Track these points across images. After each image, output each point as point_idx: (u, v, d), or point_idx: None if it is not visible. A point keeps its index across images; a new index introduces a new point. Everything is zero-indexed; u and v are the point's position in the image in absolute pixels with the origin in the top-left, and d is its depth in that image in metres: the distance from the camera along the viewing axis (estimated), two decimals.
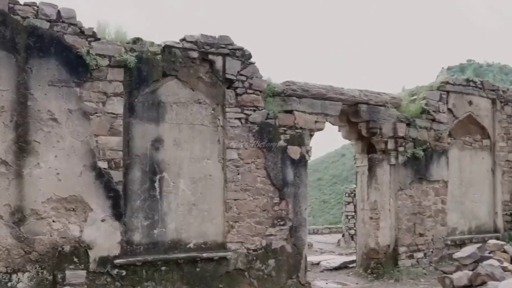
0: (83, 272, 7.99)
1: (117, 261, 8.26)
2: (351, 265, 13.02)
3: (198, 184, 9.23)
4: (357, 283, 11.28)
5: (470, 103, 13.17)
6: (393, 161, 11.74)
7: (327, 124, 11.07)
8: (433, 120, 12.33)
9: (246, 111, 9.61)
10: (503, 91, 13.89)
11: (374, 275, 11.50)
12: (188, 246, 9.08)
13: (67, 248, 7.93)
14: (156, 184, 8.86)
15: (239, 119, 9.55)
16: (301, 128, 10.25)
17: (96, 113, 8.20)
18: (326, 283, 11.37)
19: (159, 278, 8.67)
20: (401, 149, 11.76)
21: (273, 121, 9.90)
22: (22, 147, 7.69)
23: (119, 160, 8.38)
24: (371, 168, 11.85)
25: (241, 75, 9.57)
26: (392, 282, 11.11)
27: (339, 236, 19.34)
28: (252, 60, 9.73)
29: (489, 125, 13.56)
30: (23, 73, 7.72)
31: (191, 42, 9.15)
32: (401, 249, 11.73)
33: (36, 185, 7.74)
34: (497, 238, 11.21)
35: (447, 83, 12.78)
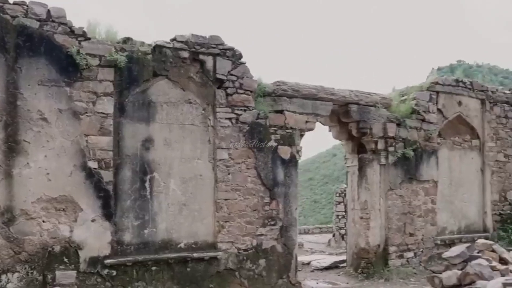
0: (73, 273, 7.97)
1: (108, 261, 8.24)
2: (341, 265, 13.04)
3: (188, 184, 9.23)
4: (347, 283, 11.30)
5: (460, 103, 13.24)
6: (383, 161, 11.79)
7: (318, 124, 11.11)
8: (423, 120, 12.38)
9: (236, 111, 9.62)
10: (492, 92, 13.98)
11: (365, 274, 11.53)
12: (178, 246, 9.07)
13: (57, 248, 7.90)
14: (147, 184, 8.84)
15: (230, 119, 9.55)
16: (291, 128, 10.27)
17: (86, 113, 8.18)
18: (317, 283, 11.38)
19: (149, 278, 8.65)
20: (391, 149, 11.80)
21: (263, 121, 9.91)
22: (12, 147, 7.65)
23: (109, 160, 8.36)
24: (362, 168, 11.89)
25: (232, 75, 9.58)
26: (382, 281, 11.14)
27: (330, 236, 19.38)
28: (242, 60, 9.73)
29: (478, 125, 13.64)
30: (12, 73, 7.69)
31: (181, 42, 9.14)
32: (391, 249, 11.76)
33: (25, 185, 7.70)
34: (487, 238, 11.28)
35: (437, 83, 12.85)
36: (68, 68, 8.05)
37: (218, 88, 9.49)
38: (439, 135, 12.83)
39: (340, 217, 18.61)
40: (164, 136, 9.01)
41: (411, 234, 12.05)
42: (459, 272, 7.36)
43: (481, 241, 8.30)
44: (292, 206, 10.23)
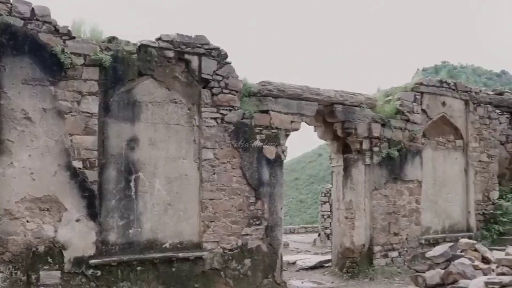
0: (58, 273, 7.93)
1: (92, 261, 8.20)
2: (326, 265, 13.09)
3: (173, 183, 9.22)
4: (332, 282, 11.34)
5: (444, 104, 13.35)
6: (368, 161, 11.85)
7: (304, 124, 11.15)
8: (408, 120, 12.47)
9: (222, 111, 9.62)
10: (475, 93, 14.11)
11: (349, 274, 11.57)
12: (163, 246, 9.05)
13: (41, 248, 7.85)
14: (132, 184, 8.82)
15: (215, 118, 9.55)
16: (276, 128, 10.29)
17: (70, 112, 8.14)
18: (302, 283, 11.41)
19: (134, 278, 8.63)
20: (376, 149, 11.87)
21: (249, 121, 9.92)
22: None
23: (94, 160, 8.33)
24: (347, 168, 11.94)
25: (217, 74, 9.59)
26: (367, 281, 11.20)
27: (315, 235, 19.40)
28: (228, 60, 9.75)
29: (462, 126, 13.76)
30: None
31: (167, 41, 9.13)
32: (376, 248, 11.83)
33: (9, 184, 7.65)
34: (470, 237, 11.41)
35: (421, 84, 12.94)
36: (53, 67, 8.01)
37: (204, 88, 9.49)
38: (424, 135, 12.92)
39: (325, 216, 18.65)
40: (149, 136, 9.00)
41: (395, 234, 12.13)
42: (442, 271, 7.42)
43: (464, 240, 8.37)
44: (278, 206, 10.25)
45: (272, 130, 10.23)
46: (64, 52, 8.06)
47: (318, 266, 13.18)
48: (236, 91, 9.80)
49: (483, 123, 14.23)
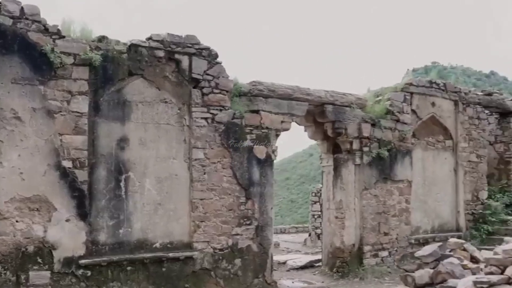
0: (47, 273, 7.90)
1: (82, 261, 8.18)
2: (317, 264, 13.12)
3: (164, 183, 9.20)
4: (322, 282, 11.36)
5: (433, 104, 13.41)
6: (358, 161, 11.88)
7: (295, 124, 11.17)
8: (397, 120, 12.52)
9: (212, 111, 9.62)
10: (465, 93, 14.18)
11: (340, 274, 11.60)
12: (154, 246, 9.04)
13: (30, 248, 7.81)
14: (122, 184, 8.80)
15: (205, 118, 9.55)
16: (267, 128, 10.30)
17: (60, 111, 8.11)
18: (292, 282, 11.41)
19: (124, 278, 8.61)
20: (366, 149, 11.91)
21: (239, 121, 9.93)
22: None
23: (84, 160, 8.30)
24: (337, 168, 11.97)
25: (208, 74, 9.58)
26: (357, 280, 11.23)
27: (306, 235, 19.44)
28: (218, 60, 9.74)
29: (451, 126, 13.82)
30: None
31: (157, 41, 9.12)
32: (366, 248, 11.86)
33: None
34: (459, 237, 11.44)
35: (411, 84, 13.00)
36: (42, 66, 7.97)
37: (194, 87, 9.48)
38: (413, 135, 12.98)
39: (316, 216, 18.67)
40: (140, 136, 8.98)
41: (385, 234, 12.17)
42: (431, 270, 7.45)
43: (453, 240, 8.41)
44: (268, 205, 10.26)
45: (263, 130, 10.24)
46: (54, 51, 8.03)
47: (309, 265, 13.20)
48: (227, 91, 9.80)
49: (472, 123, 14.31)
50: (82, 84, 8.31)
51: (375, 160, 12.05)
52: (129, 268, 8.66)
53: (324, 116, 11.50)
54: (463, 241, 8.58)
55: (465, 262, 7.55)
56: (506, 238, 9.61)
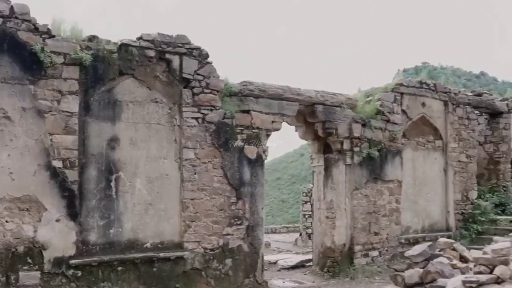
0: (37, 273, 7.88)
1: (73, 261, 8.16)
2: (307, 264, 13.12)
3: (154, 183, 9.19)
4: (313, 282, 11.38)
5: (423, 104, 13.47)
6: (348, 161, 11.91)
7: (286, 124, 11.19)
8: (388, 121, 12.56)
9: (203, 111, 9.61)
10: (454, 94, 14.25)
11: (330, 273, 11.62)
12: (144, 246, 9.03)
13: (20, 248, 7.79)
14: (112, 184, 8.78)
15: (196, 118, 9.54)
16: (258, 128, 10.31)
17: (50, 111, 8.09)
18: (283, 282, 11.43)
19: (115, 279, 8.59)
20: (356, 149, 11.94)
21: (230, 120, 9.93)
22: None
23: (74, 159, 8.28)
24: (327, 168, 12.00)
25: (198, 74, 9.58)
26: (348, 280, 11.26)
27: (297, 235, 19.45)
28: (209, 59, 9.74)
29: (441, 126, 13.89)
30: None
31: (148, 40, 9.11)
32: (357, 248, 11.90)
33: None
34: (449, 237, 11.51)
35: (401, 85, 13.05)
36: (32, 65, 7.95)
37: (185, 87, 9.48)
38: (404, 135, 13.03)
39: (307, 216, 18.69)
40: (130, 136, 8.97)
41: (376, 233, 12.21)
42: (421, 270, 7.48)
43: (442, 239, 8.44)
44: (259, 205, 10.27)
45: (253, 130, 10.25)
46: (44, 51, 8.01)
47: (299, 265, 13.21)
48: (217, 91, 9.80)
49: (462, 123, 14.38)
50: (73, 84, 8.28)
51: (365, 160, 12.09)
52: (119, 268, 8.65)
53: (314, 116, 11.52)
54: (452, 240, 8.61)
55: (455, 261, 7.58)
56: (495, 237, 9.69)
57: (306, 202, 19.28)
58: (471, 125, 14.63)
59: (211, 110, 9.71)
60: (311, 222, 15.43)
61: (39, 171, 7.98)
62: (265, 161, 10.59)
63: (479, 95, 15.86)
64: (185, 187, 9.38)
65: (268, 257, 13.27)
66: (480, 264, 6.92)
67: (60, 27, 8.49)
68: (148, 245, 9.06)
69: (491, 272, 6.64)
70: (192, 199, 9.43)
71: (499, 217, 14.27)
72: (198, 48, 9.59)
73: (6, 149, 7.74)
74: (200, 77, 9.59)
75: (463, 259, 7.96)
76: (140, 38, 9.09)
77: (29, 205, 7.87)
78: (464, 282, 6.39)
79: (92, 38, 8.73)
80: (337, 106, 11.69)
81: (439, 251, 8.04)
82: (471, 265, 7.45)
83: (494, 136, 16.18)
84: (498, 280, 6.46)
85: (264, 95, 10.47)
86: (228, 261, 9.81)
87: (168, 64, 9.33)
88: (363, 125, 12.06)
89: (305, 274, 12.28)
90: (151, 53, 9.11)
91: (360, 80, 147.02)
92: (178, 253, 9.21)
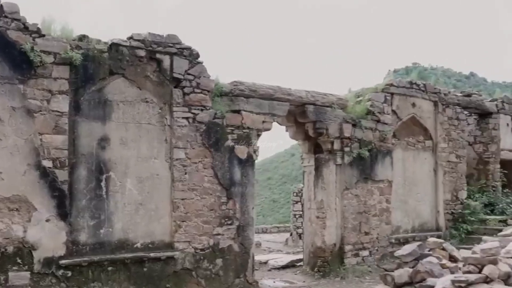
0: (27, 273, 7.85)
1: (63, 261, 8.13)
2: (298, 264, 13.16)
3: (145, 183, 9.18)
4: (304, 282, 11.41)
5: (414, 105, 13.52)
6: (339, 161, 11.94)
7: (277, 124, 11.21)
8: (378, 121, 12.61)
9: (193, 111, 9.61)
10: (444, 94, 14.32)
11: (321, 273, 11.65)
12: (135, 246, 9.01)
13: (10, 249, 7.74)
14: (103, 184, 8.76)
15: (187, 118, 9.54)
16: (248, 128, 10.32)
17: (40, 111, 8.05)
18: (274, 282, 11.46)
19: (105, 279, 8.57)
20: (347, 149, 11.97)
21: (220, 120, 9.93)
22: None
23: (64, 159, 8.25)
24: (318, 168, 12.02)
25: (189, 74, 9.57)
26: (338, 280, 11.29)
27: (288, 235, 19.49)
28: (199, 59, 9.74)
29: (431, 126, 13.95)
30: None
31: (138, 40, 9.09)
32: (347, 248, 11.93)
33: None
34: (439, 236, 11.56)
35: (391, 85, 13.09)
36: (22, 65, 7.91)
37: (175, 87, 9.47)
38: (394, 135, 13.07)
39: (297, 216, 18.73)
40: (121, 135, 8.94)
41: (366, 233, 12.24)
42: (411, 270, 7.48)
43: (432, 239, 8.46)
44: (249, 205, 10.28)
45: (244, 130, 10.25)
46: (34, 50, 7.97)
47: (290, 265, 13.24)
48: (208, 91, 9.80)
49: (452, 124, 14.45)
50: (63, 83, 8.25)
51: (356, 160, 12.12)
52: (110, 268, 8.63)
53: (305, 116, 11.54)
54: (442, 240, 8.63)
55: (444, 261, 7.59)
56: (484, 237, 9.70)
57: (296, 202, 19.32)
58: (460, 126, 14.71)
59: (202, 110, 9.70)
60: (302, 222, 15.47)
61: (28, 171, 7.94)
62: (256, 161, 10.60)
63: (469, 95, 15.93)
64: (175, 187, 9.37)
65: (258, 257, 13.30)
66: (469, 264, 6.94)
67: (50, 27, 8.45)
68: (138, 245, 9.04)
69: (480, 272, 6.66)
70: (182, 199, 9.42)
71: (488, 217, 14.33)
72: (188, 48, 9.58)
73: None
74: (190, 77, 9.58)
75: (452, 258, 7.98)
76: (130, 38, 9.07)
77: (18, 205, 7.83)
78: (453, 282, 6.40)
79: (82, 38, 8.71)
80: (327, 106, 11.72)
81: (429, 250, 8.06)
82: (460, 264, 7.46)
83: (483, 137, 16.23)
84: (487, 280, 6.48)
85: (254, 95, 10.47)
86: (219, 261, 9.81)
87: (159, 64, 9.32)
88: (354, 125, 12.10)
89: (295, 274, 12.31)
90: (142, 52, 9.09)
91: (350, 81, 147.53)
92: (169, 253, 9.20)
